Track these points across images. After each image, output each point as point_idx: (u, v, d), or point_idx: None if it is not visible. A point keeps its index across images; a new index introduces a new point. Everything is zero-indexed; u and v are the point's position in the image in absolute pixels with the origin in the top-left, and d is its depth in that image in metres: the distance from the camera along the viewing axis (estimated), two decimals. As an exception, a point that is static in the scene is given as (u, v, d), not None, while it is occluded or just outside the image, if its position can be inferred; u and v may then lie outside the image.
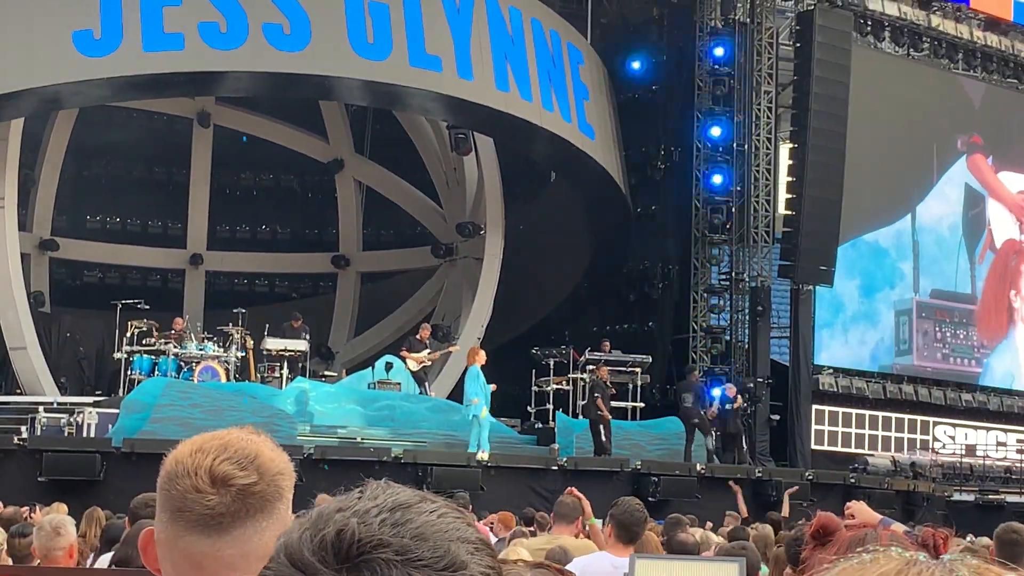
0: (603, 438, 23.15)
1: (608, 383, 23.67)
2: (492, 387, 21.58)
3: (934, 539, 2.29)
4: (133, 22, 23.07)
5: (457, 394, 24.69)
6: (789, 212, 28.62)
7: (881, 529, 2.26)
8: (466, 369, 22.23)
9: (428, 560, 1.30)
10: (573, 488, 9.06)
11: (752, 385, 27.49)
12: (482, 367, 21.64)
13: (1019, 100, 34.34)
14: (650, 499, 21.77)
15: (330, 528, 1.31)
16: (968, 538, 15.38)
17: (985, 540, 10.75)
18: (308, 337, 25.01)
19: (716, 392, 25.98)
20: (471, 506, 15.30)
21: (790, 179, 28.71)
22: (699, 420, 24.53)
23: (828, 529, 2.26)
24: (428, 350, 24.84)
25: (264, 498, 2.09)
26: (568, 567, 7.07)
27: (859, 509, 7.10)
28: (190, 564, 2.07)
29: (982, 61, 33.40)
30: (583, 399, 24.54)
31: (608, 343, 26.31)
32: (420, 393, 24.54)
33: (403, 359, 24.62)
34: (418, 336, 25.01)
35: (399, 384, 24.61)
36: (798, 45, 28.88)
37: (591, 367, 24.40)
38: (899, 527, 6.61)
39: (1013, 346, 33.73)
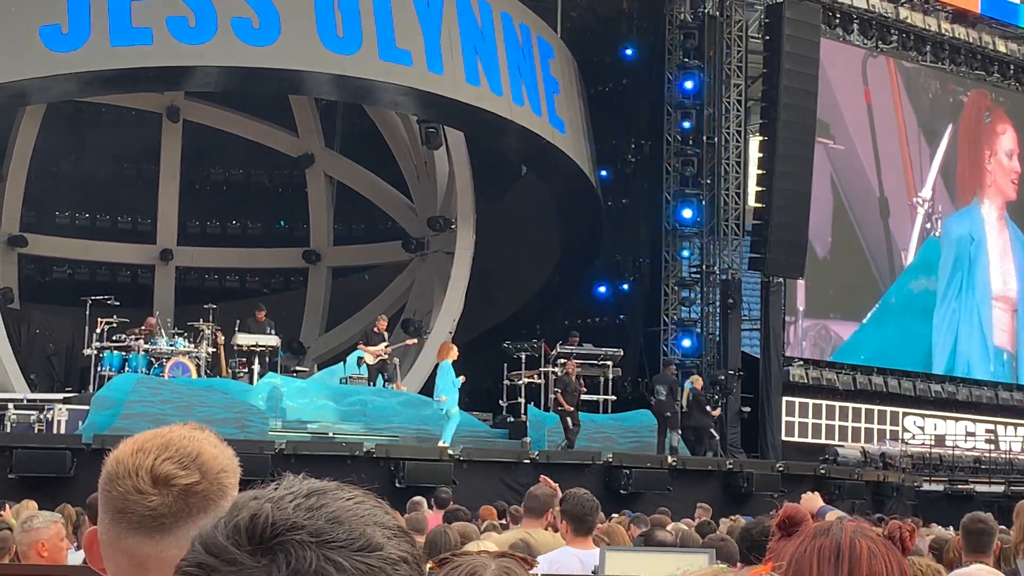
0: (567, 431, 23.20)
1: (576, 377, 23.68)
2: (461, 379, 21.58)
3: (900, 531, 2.32)
4: (101, 17, 22.95)
5: (429, 388, 24.70)
6: (759, 205, 28.73)
7: (848, 520, 2.28)
8: (437, 364, 22.22)
9: (343, 541, 1.30)
10: (546, 477, 9.04)
11: (723, 377, 27.59)
12: (453, 362, 21.63)
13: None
14: (621, 491, 21.87)
15: (244, 514, 1.32)
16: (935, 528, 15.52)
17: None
18: (273, 331, 24.91)
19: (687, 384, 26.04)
20: (452, 502, 15.29)
21: (760, 172, 28.82)
22: (671, 414, 24.55)
23: (794, 520, 2.28)
24: (385, 343, 24.80)
25: (207, 497, 2.07)
26: (537, 566, 7.10)
27: (807, 498, 7.19)
28: (133, 565, 2.05)
29: (950, 53, 33.58)
30: (554, 393, 24.57)
31: (578, 336, 26.34)
32: (382, 385, 24.49)
33: (362, 352, 24.59)
34: (375, 328, 24.94)
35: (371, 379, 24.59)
36: (767, 38, 28.98)
37: (561, 361, 24.42)
38: (835, 513, 6.68)
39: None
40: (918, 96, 32.78)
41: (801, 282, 29.78)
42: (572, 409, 23.37)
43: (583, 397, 25.43)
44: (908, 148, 32.38)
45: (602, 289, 31.20)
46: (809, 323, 30.58)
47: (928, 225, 32.37)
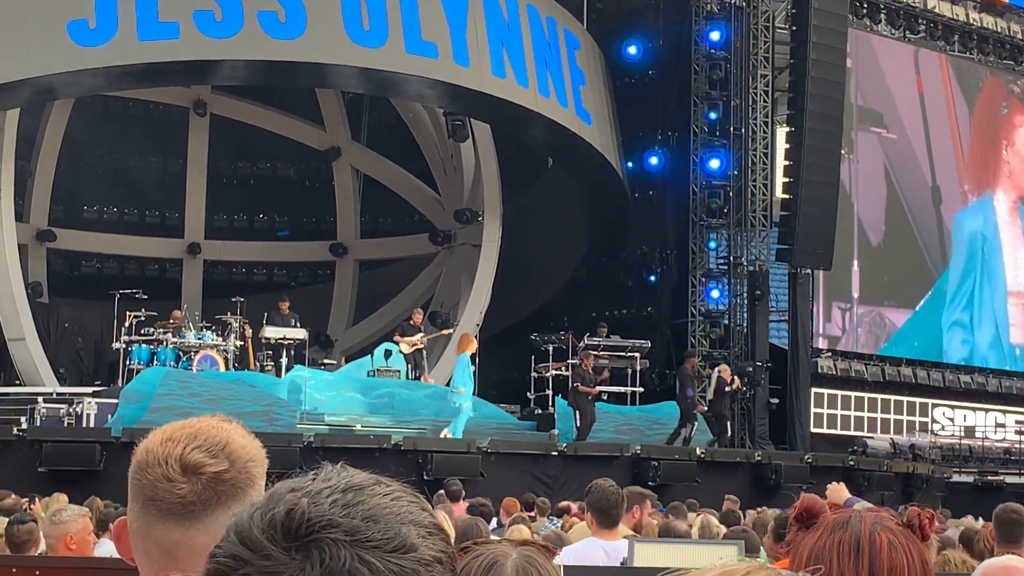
0: (580, 421, 23.12)
1: (593, 370, 23.54)
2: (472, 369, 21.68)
3: (919, 518, 2.31)
4: (128, 11, 23.04)
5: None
6: (786, 196, 28.60)
7: (866, 510, 2.27)
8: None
9: (378, 541, 1.30)
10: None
11: (751, 369, 27.50)
12: (473, 355, 21.63)
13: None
14: (650, 483, 21.79)
15: (280, 507, 1.31)
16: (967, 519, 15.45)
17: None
18: (298, 323, 24.96)
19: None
20: (464, 493, 15.29)
21: (787, 163, 28.68)
22: (684, 408, 24.41)
23: (812, 511, 2.27)
24: (421, 333, 24.87)
25: (235, 486, 2.09)
26: (560, 555, 7.10)
27: (832, 489, 7.15)
28: (162, 553, 2.07)
29: (978, 43, 33.37)
30: (574, 385, 24.47)
31: (605, 328, 26.32)
32: (415, 377, 24.55)
33: (396, 343, 24.66)
34: (411, 321, 25.03)
35: (398, 371, 24.63)
36: (794, 28, 28.84)
37: (583, 354, 24.20)
38: (863, 505, 6.65)
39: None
40: (968, 87, 32.81)
41: (856, 269, 30.14)
42: (590, 399, 23.28)
43: (610, 389, 25.41)
44: (960, 137, 32.56)
45: (629, 281, 31.14)
46: (864, 310, 30.76)
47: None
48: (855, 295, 30.76)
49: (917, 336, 31.46)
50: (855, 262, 30.46)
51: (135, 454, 2.14)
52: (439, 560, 1.33)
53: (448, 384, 24.21)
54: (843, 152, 29.32)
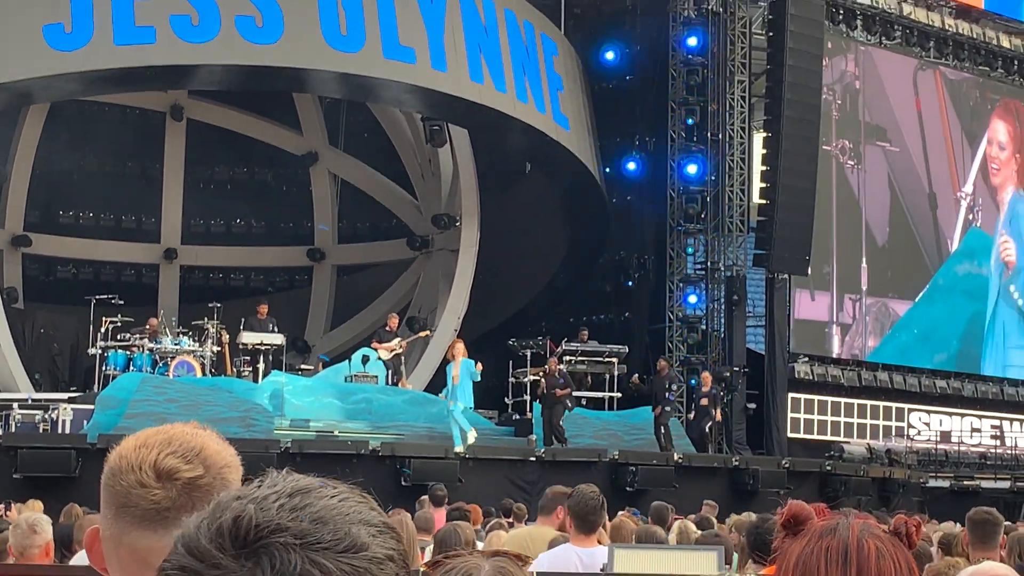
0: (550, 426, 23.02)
1: (559, 375, 23.39)
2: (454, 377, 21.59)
3: (907, 526, 2.30)
4: (104, 16, 22.95)
5: (434, 386, 24.71)
6: (763, 201, 28.69)
7: (853, 516, 2.26)
8: (446, 361, 22.18)
9: (328, 543, 1.28)
10: None
11: (728, 374, 27.55)
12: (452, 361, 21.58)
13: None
14: (628, 489, 21.84)
15: (227, 515, 1.30)
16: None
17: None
18: (275, 328, 24.89)
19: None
20: (447, 498, 15.27)
21: (764, 168, 28.78)
22: (657, 413, 24.34)
23: (799, 518, 2.26)
24: (399, 338, 24.84)
25: (211, 491, 2.06)
26: (535, 561, 7.08)
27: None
28: (136, 560, 2.05)
29: (953, 49, 33.54)
30: (553, 391, 24.35)
31: (586, 331, 26.33)
32: (393, 382, 24.50)
33: (375, 350, 24.62)
34: (386, 327, 25.01)
35: (376, 377, 24.57)
36: (771, 34, 28.94)
37: (545, 367, 24.01)
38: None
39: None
40: (961, 104, 35.00)
41: (864, 266, 32.31)
42: (564, 400, 23.18)
43: (588, 394, 25.41)
44: (952, 150, 35.00)
45: (607, 286, 31.18)
46: (871, 301, 32.86)
47: (970, 216, 35.21)
48: (864, 288, 32.47)
49: (917, 324, 33.43)
50: (863, 260, 32.36)
51: (108, 460, 2.11)
52: (391, 558, 1.32)
53: (426, 389, 24.16)
54: (852, 163, 32.11)
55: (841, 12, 31.16)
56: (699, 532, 11.28)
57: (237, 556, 1.28)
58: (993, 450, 32.19)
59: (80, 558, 7.69)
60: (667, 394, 24.40)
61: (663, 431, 24.11)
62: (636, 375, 24.99)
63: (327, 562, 1.27)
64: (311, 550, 1.27)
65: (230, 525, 1.29)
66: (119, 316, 23.89)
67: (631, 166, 30.79)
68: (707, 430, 25.17)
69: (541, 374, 23.79)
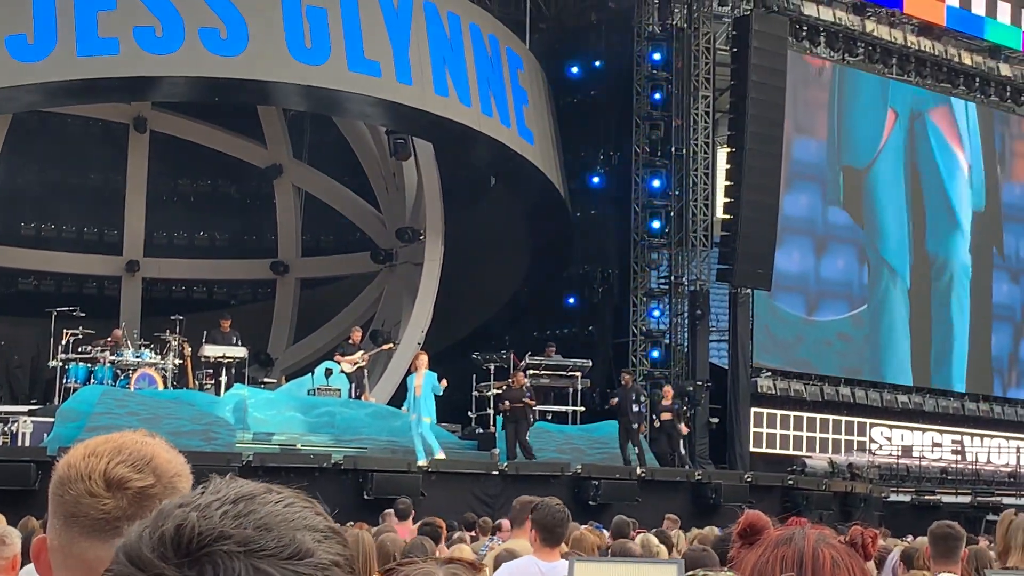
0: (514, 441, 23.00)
1: (525, 388, 23.35)
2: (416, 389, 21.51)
3: (863, 537, 2.31)
4: (67, 27, 22.82)
5: (397, 400, 24.62)
6: (727, 216, 28.81)
7: (809, 527, 2.26)
8: (408, 373, 22.10)
9: (272, 550, 1.27)
10: None
11: (691, 388, 27.62)
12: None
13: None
14: (591, 503, 21.82)
15: (169, 524, 1.28)
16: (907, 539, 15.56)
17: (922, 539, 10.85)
18: (239, 341, 24.77)
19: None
20: (413, 512, 15.21)
21: (728, 183, 28.91)
22: (623, 426, 24.34)
23: (756, 527, 2.26)
24: (362, 351, 24.78)
25: (161, 501, 2.05)
26: (495, 573, 7.05)
27: None
28: (85, 570, 2.01)
29: (916, 66, 33.79)
30: (520, 404, 24.32)
31: (553, 347, 26.34)
32: (356, 396, 24.42)
33: (338, 363, 24.55)
34: (350, 340, 24.98)
35: (339, 390, 24.47)
36: (735, 50, 29.08)
37: (509, 380, 23.98)
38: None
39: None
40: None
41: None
42: (529, 419, 23.16)
43: (551, 408, 25.40)
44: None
45: (571, 300, 31.22)
46: None
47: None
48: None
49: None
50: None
51: (56, 469, 2.08)
52: (336, 564, 1.30)
53: (390, 403, 24.07)
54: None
55: (804, 29, 31.35)
56: (662, 547, 11.31)
57: (180, 565, 1.26)
58: (954, 465, 32.37)
59: (28, 571, 7.62)
60: (633, 406, 24.40)
61: (634, 446, 24.11)
62: (614, 398, 24.84)
63: (272, 569, 1.26)
64: (255, 557, 1.26)
65: (172, 533, 1.27)
66: (80, 328, 23.71)
67: (595, 180, 30.86)
68: (679, 444, 25.26)
69: (505, 388, 23.77)
